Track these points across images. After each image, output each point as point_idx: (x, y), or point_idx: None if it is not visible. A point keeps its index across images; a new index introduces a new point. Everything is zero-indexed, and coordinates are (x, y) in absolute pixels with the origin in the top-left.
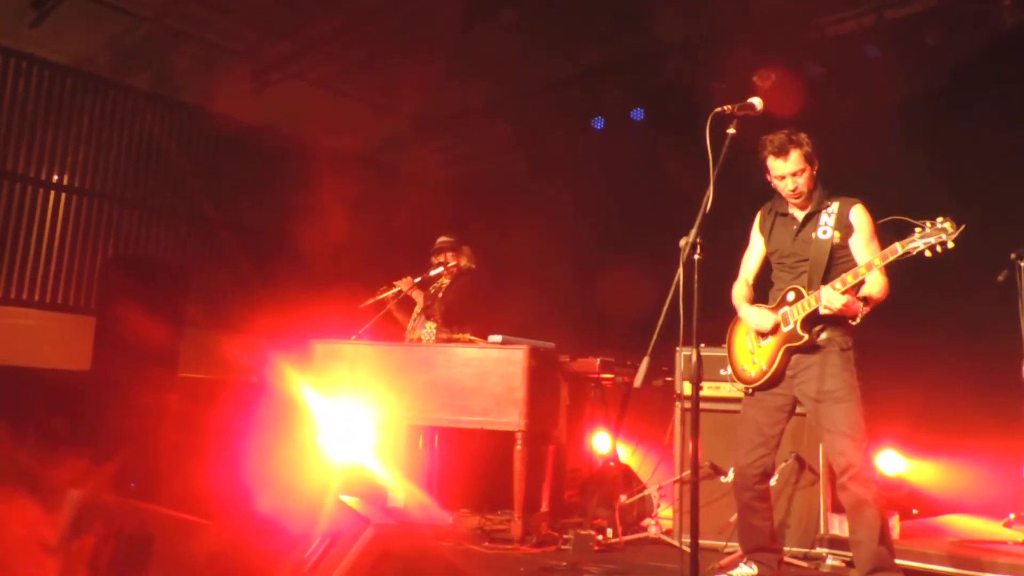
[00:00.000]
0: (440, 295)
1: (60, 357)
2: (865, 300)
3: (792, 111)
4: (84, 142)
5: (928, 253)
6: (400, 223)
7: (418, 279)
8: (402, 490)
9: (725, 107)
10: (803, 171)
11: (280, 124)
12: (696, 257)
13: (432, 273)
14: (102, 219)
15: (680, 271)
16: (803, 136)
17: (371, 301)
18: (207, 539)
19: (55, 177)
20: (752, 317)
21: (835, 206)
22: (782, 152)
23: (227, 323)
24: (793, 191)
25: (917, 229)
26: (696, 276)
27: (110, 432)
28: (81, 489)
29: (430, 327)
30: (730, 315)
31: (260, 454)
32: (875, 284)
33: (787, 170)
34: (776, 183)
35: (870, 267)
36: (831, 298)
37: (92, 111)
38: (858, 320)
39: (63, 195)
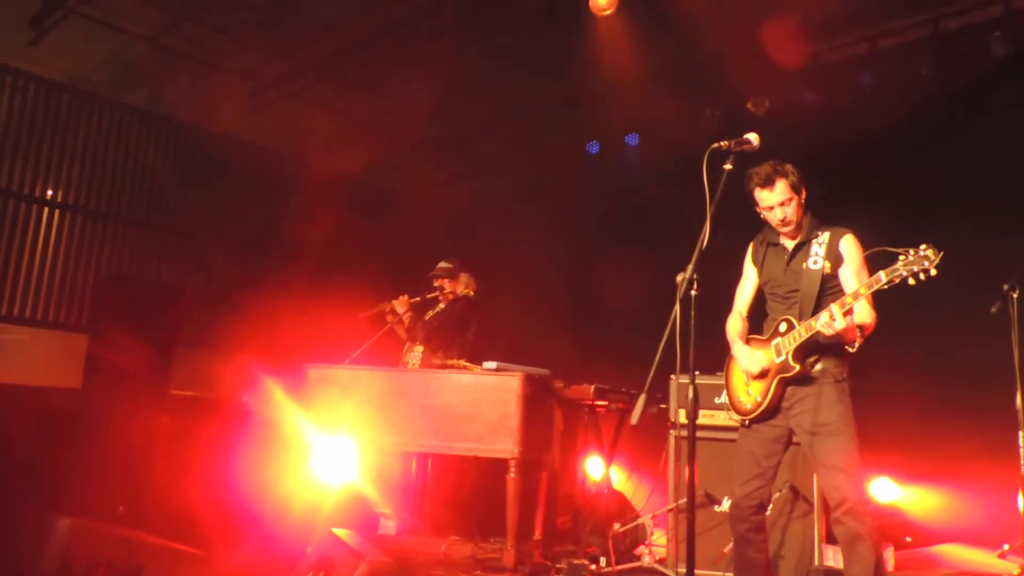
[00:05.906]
0: (427, 318)
1: (51, 375)
2: (860, 328)
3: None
4: (79, 159)
5: (912, 281)
6: (395, 244)
7: (415, 299)
8: (394, 517)
9: (722, 143)
10: (790, 200)
11: (276, 143)
12: (692, 293)
13: (427, 296)
14: (95, 236)
15: (677, 307)
16: (789, 166)
17: (365, 315)
18: (197, 570)
19: (49, 193)
20: (743, 358)
21: (826, 236)
22: (768, 183)
23: (219, 343)
24: (782, 221)
25: (900, 257)
26: (692, 312)
27: (100, 452)
28: (69, 517)
29: (418, 351)
30: (724, 342)
31: (250, 478)
32: (864, 314)
33: (774, 200)
34: (765, 214)
35: (856, 296)
36: (830, 320)
37: (87, 128)
38: (855, 347)
39: (56, 212)
